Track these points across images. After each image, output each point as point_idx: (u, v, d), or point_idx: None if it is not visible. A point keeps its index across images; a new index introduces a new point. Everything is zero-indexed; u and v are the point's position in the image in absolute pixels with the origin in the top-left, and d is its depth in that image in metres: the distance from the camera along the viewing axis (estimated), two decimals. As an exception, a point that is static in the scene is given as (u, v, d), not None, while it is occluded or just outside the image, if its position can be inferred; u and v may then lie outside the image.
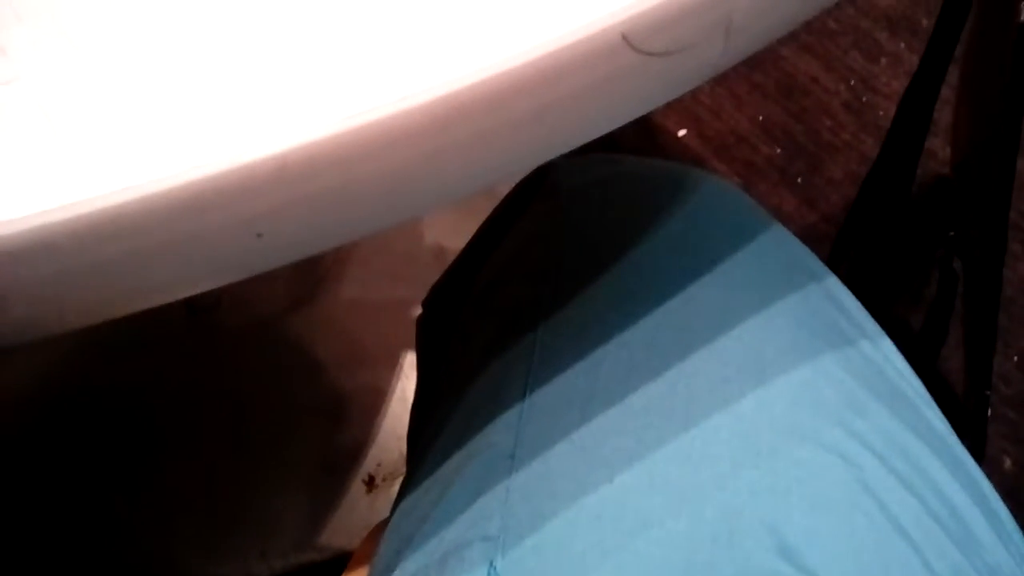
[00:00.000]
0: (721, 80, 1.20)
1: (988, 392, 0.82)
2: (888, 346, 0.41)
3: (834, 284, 0.44)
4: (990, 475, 0.38)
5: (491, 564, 0.34)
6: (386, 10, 0.25)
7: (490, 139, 0.25)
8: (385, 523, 0.44)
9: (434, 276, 0.55)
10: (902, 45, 1.20)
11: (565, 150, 0.27)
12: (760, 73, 1.20)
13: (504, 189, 0.54)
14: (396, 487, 0.82)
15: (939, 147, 0.99)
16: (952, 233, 0.86)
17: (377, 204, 0.26)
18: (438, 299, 0.54)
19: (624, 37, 0.24)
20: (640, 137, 1.16)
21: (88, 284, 0.24)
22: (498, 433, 0.39)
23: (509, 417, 0.39)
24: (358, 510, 0.88)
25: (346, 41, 0.25)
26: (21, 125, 0.23)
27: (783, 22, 0.28)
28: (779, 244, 0.45)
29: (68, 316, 0.25)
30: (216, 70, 0.24)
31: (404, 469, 0.48)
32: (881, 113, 1.15)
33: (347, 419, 0.93)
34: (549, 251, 0.47)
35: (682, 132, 1.17)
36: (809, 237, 0.46)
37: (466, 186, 0.26)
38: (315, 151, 0.23)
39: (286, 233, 0.24)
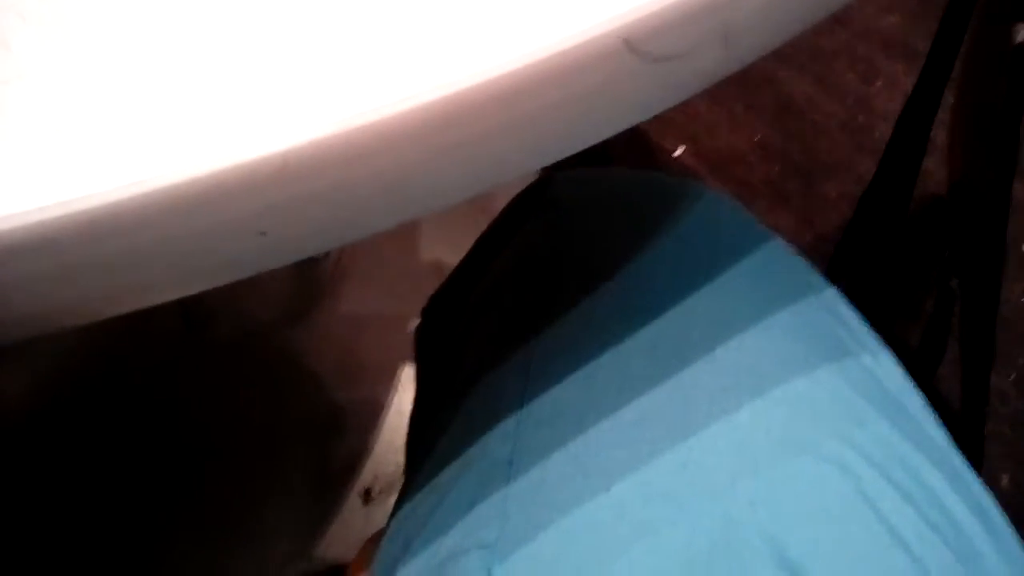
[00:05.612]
0: (718, 99, 1.21)
1: (985, 410, 0.82)
2: (887, 358, 0.41)
3: (833, 296, 0.44)
4: (987, 494, 0.38)
5: (488, 572, 0.34)
6: (388, 10, 0.25)
7: (493, 140, 0.25)
8: (381, 533, 0.44)
9: (431, 291, 0.55)
10: (898, 67, 1.20)
11: (565, 154, 0.27)
12: (757, 93, 1.20)
13: (500, 205, 0.54)
14: (392, 500, 0.82)
15: (935, 167, 0.99)
16: (948, 253, 0.86)
17: (378, 204, 0.26)
18: (436, 308, 0.54)
19: (626, 42, 0.24)
20: (637, 154, 1.16)
21: (89, 281, 0.24)
22: (496, 441, 0.39)
23: (507, 426, 0.39)
24: (355, 522, 0.88)
25: (348, 41, 0.25)
26: (24, 122, 0.23)
27: (781, 30, 0.28)
28: (777, 257, 0.45)
29: (68, 313, 0.25)
30: (220, 67, 0.24)
31: (401, 481, 0.48)
32: (877, 134, 1.15)
33: (344, 432, 0.93)
34: (547, 262, 0.47)
35: (679, 150, 1.17)
36: (805, 256, 0.46)
37: (468, 187, 0.26)
38: (317, 149, 0.23)
39: (290, 231, 0.24)
